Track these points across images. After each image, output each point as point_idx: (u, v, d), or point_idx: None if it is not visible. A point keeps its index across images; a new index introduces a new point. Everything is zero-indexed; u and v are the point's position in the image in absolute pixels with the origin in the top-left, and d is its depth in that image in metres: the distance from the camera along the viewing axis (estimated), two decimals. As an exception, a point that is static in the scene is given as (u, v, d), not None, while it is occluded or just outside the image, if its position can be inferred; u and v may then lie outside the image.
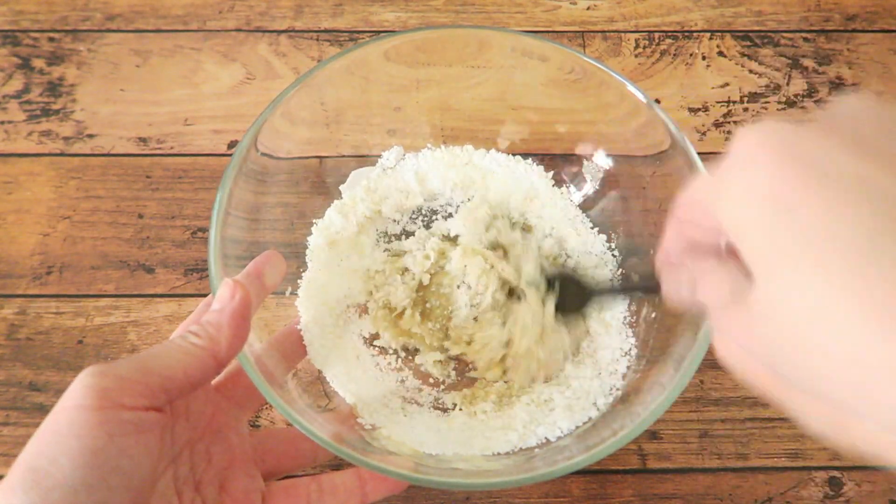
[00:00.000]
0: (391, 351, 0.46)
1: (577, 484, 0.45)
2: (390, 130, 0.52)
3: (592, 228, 0.50)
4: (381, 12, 0.63)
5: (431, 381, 0.46)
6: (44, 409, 0.46)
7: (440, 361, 0.46)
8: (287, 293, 0.46)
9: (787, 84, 0.60)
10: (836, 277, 0.20)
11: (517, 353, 0.44)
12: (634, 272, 0.48)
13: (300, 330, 0.44)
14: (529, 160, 0.51)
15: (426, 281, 0.47)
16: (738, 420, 0.47)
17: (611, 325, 0.46)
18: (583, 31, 0.63)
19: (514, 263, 0.46)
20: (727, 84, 0.60)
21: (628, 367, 0.44)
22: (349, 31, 0.62)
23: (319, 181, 0.50)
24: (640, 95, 0.45)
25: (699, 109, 0.59)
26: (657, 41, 0.62)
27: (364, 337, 0.47)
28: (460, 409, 0.44)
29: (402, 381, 0.46)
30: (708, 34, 0.63)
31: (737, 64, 0.61)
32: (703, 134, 0.58)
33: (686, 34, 0.63)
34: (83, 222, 0.53)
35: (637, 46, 0.62)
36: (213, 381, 0.38)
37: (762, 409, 0.47)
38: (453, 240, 0.49)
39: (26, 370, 0.48)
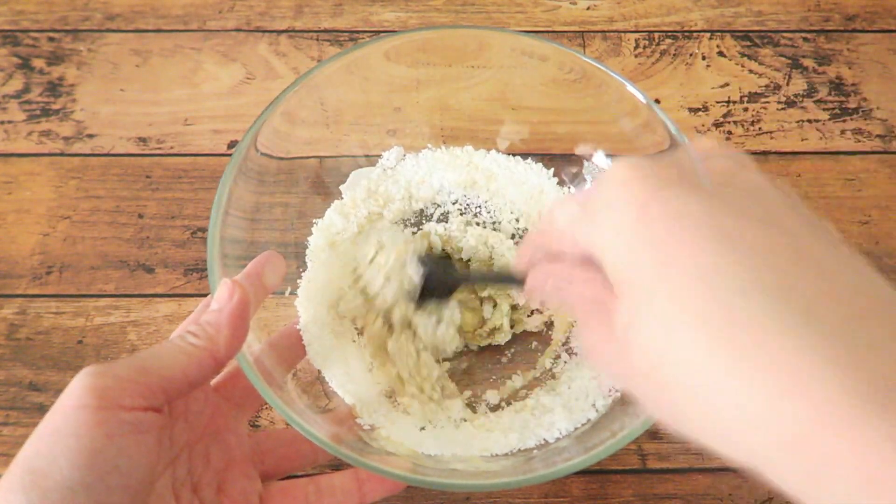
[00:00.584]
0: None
1: (577, 484, 0.45)
2: (390, 130, 0.52)
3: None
4: (381, 12, 0.63)
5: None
6: (44, 409, 0.46)
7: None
8: (287, 293, 0.46)
9: (787, 84, 0.60)
10: (689, 308, 0.22)
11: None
12: None
13: (299, 330, 0.44)
14: (529, 160, 0.51)
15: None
16: (737, 420, 0.47)
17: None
18: (583, 31, 0.63)
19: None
20: (727, 84, 0.60)
21: (628, 368, 0.44)
22: (349, 31, 0.62)
23: (319, 181, 0.50)
24: (639, 95, 0.45)
25: (699, 109, 0.59)
26: (657, 41, 0.62)
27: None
28: (463, 420, 0.44)
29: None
30: (708, 34, 0.63)
31: (737, 64, 0.61)
32: (703, 134, 0.58)
33: (686, 34, 0.63)
34: (83, 222, 0.53)
35: (637, 46, 0.62)
36: (213, 382, 0.38)
37: (762, 410, 0.47)
38: None
39: (26, 370, 0.48)
